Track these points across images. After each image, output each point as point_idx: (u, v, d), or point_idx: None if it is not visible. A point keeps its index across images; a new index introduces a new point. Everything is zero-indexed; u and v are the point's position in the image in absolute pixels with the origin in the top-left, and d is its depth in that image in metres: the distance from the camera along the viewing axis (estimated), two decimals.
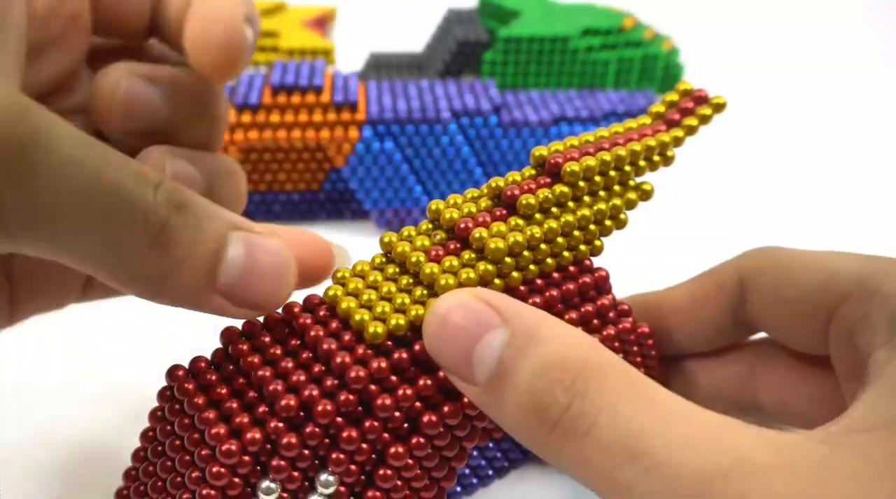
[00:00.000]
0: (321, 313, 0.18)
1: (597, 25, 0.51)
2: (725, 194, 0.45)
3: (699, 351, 0.25)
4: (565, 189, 0.19)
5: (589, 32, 0.51)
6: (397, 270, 0.19)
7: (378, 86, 0.41)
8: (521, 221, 0.19)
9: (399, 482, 0.17)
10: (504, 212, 0.19)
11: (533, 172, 0.20)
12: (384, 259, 0.19)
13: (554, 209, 0.19)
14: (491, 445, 0.24)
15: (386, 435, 0.17)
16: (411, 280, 0.18)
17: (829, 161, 0.49)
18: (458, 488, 0.24)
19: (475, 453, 0.24)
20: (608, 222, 0.20)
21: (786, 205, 0.44)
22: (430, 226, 0.19)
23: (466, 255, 0.18)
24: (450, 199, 0.20)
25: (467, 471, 0.24)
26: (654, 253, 0.39)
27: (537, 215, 0.19)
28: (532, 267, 0.19)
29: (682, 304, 0.24)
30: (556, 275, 0.20)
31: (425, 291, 0.18)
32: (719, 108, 0.22)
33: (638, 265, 0.38)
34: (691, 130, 0.21)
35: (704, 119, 0.22)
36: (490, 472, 0.25)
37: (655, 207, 0.45)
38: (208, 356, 0.19)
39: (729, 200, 0.45)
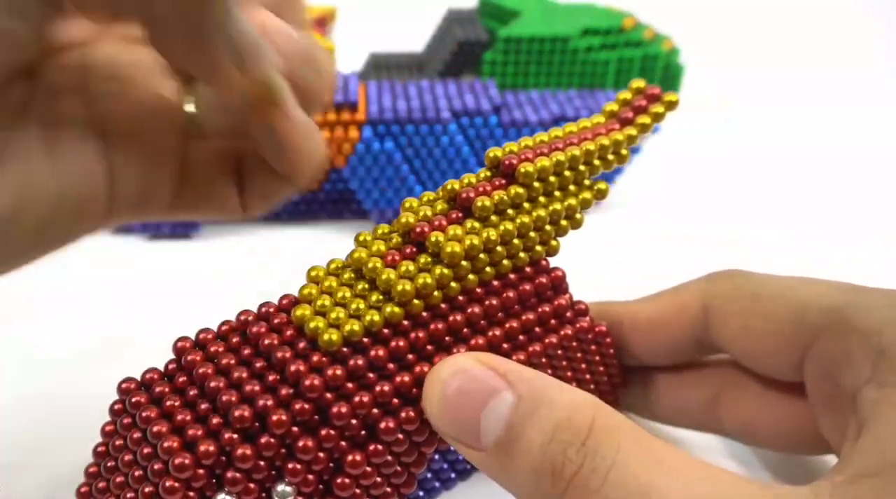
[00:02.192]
0: (276, 321, 0.18)
1: (597, 25, 0.51)
2: (725, 194, 0.45)
3: (660, 365, 0.25)
4: (520, 190, 0.19)
5: (589, 32, 0.51)
6: (353, 275, 0.18)
7: (378, 86, 0.40)
8: (476, 224, 0.18)
9: (358, 491, 0.17)
10: (460, 215, 0.19)
11: (488, 173, 0.20)
12: (341, 263, 0.19)
13: (509, 211, 0.19)
14: (452, 448, 0.24)
15: (343, 443, 0.17)
16: (367, 285, 0.18)
17: (828, 160, 0.49)
18: (421, 493, 0.24)
19: (437, 456, 0.23)
20: (563, 222, 0.20)
21: (785, 204, 0.44)
22: (387, 229, 0.19)
23: (423, 259, 0.18)
24: (405, 202, 0.19)
25: (429, 475, 0.24)
26: (656, 252, 0.39)
27: (493, 217, 0.19)
28: (488, 269, 0.19)
29: (643, 322, 0.24)
30: (512, 276, 0.19)
31: (381, 297, 0.18)
32: (672, 105, 0.21)
33: (640, 263, 0.38)
34: (644, 128, 0.21)
35: (657, 117, 0.21)
36: (453, 475, 0.24)
37: (655, 206, 0.45)
38: (161, 368, 0.18)
39: (729, 199, 0.45)
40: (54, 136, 0.17)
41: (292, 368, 0.17)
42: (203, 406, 0.17)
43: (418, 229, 0.18)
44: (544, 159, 0.19)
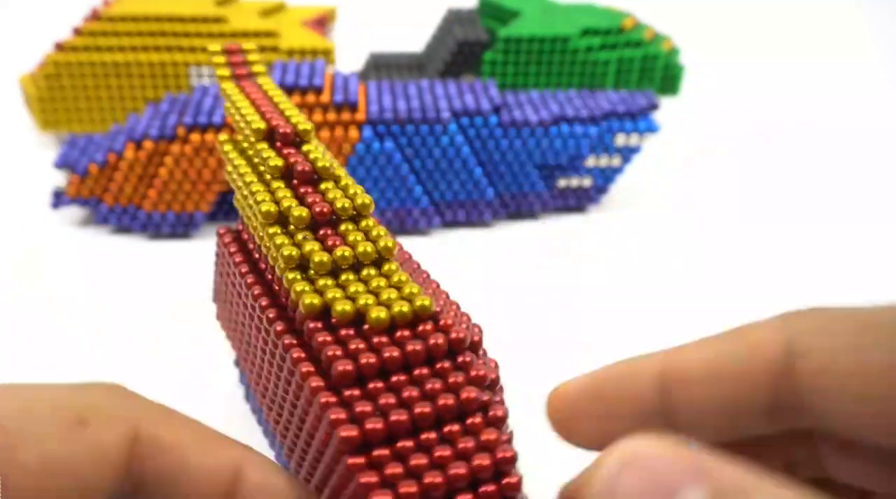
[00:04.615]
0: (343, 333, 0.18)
1: (597, 25, 0.51)
2: (726, 192, 0.45)
3: (714, 440, 0.17)
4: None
5: (589, 32, 0.51)
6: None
7: (378, 86, 0.40)
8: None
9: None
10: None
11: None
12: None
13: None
14: None
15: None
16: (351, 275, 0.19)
17: (831, 158, 0.49)
18: None
19: None
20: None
21: (789, 202, 0.44)
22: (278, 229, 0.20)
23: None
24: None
25: None
26: (657, 251, 0.39)
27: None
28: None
29: (696, 372, 0.16)
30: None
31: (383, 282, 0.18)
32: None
33: (642, 263, 0.38)
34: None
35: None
36: None
37: (655, 205, 0.45)
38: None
39: (729, 198, 0.45)
40: None
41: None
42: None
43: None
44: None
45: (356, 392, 0.16)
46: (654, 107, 0.41)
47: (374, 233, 0.20)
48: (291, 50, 0.49)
